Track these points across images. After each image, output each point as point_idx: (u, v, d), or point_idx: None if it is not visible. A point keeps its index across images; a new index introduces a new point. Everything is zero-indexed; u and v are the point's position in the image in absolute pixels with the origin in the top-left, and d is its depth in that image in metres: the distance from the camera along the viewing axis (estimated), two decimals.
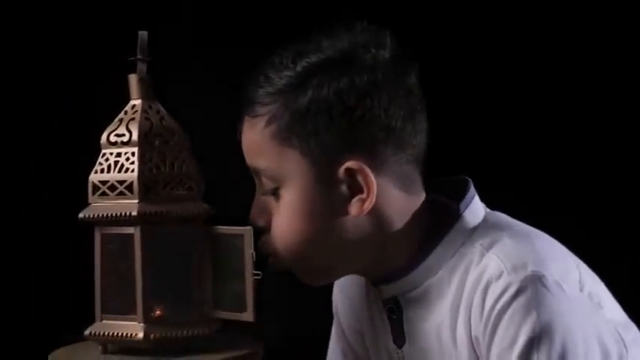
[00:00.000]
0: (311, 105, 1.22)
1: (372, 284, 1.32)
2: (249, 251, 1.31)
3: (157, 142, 1.34)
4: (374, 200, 1.23)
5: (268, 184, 1.25)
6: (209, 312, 1.34)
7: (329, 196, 1.24)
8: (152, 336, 1.30)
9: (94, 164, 1.35)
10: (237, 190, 1.89)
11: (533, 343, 1.16)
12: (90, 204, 1.35)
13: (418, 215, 1.28)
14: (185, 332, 1.32)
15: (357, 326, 1.41)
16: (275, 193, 1.25)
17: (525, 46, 2.18)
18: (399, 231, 1.26)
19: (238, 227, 1.32)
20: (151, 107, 1.35)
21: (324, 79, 1.22)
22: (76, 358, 1.34)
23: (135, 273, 1.31)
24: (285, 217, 1.25)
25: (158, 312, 1.32)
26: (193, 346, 1.32)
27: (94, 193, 1.35)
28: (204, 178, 1.35)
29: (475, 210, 1.29)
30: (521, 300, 1.18)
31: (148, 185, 1.32)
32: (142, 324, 1.31)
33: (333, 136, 1.22)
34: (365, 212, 1.23)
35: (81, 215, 1.34)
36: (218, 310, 1.34)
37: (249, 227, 1.30)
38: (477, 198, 1.30)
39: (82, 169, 1.37)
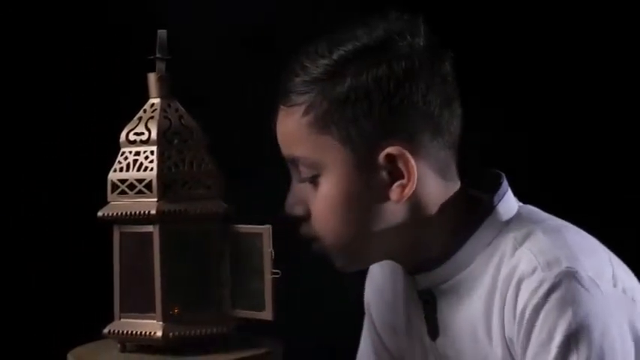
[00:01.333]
0: (350, 93, 1.23)
1: (408, 274, 1.33)
2: (267, 250, 1.30)
3: (175, 141, 1.34)
4: (414, 186, 1.24)
5: (306, 173, 1.27)
6: (228, 311, 1.34)
7: (369, 183, 1.25)
8: (171, 334, 1.30)
9: (113, 163, 1.36)
10: (254, 189, 1.91)
11: (571, 341, 1.16)
12: (109, 202, 1.35)
13: (453, 204, 1.29)
14: (203, 331, 1.32)
15: (391, 320, 1.41)
16: (314, 181, 1.27)
17: (535, 55, 2.17)
18: (435, 218, 1.28)
19: (257, 226, 1.31)
20: (169, 106, 1.35)
21: (362, 66, 1.23)
22: (95, 357, 1.34)
23: (154, 271, 1.31)
24: (325, 204, 1.26)
25: (176, 310, 1.32)
26: (212, 345, 1.32)
27: (113, 192, 1.35)
28: (223, 176, 1.35)
29: (508, 203, 1.29)
30: (555, 297, 1.18)
31: (167, 184, 1.32)
32: (160, 322, 1.31)
33: (372, 123, 1.23)
34: (405, 198, 1.25)
35: (100, 214, 1.34)
36: (237, 309, 1.34)
37: (268, 226, 1.30)
38: (510, 192, 1.31)
39: (101, 168, 1.37)
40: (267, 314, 1.31)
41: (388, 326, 1.43)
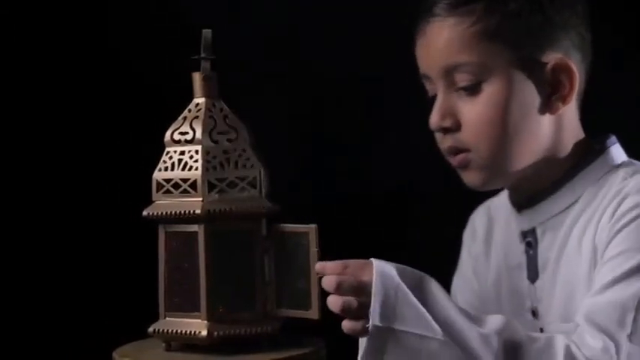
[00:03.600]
0: (524, 6, 1.32)
1: (516, 210, 1.40)
2: (314, 249, 1.30)
3: (220, 140, 1.34)
4: (573, 98, 1.35)
5: (468, 80, 1.33)
6: (273, 310, 1.34)
7: (530, 91, 1.34)
8: (216, 333, 1.30)
9: (157, 162, 1.36)
10: (298, 189, 1.91)
11: None
12: (154, 202, 1.36)
13: (577, 135, 1.38)
14: (248, 330, 1.32)
15: (484, 272, 1.48)
16: (475, 88, 1.33)
17: None
18: (564, 145, 1.37)
19: (303, 225, 1.32)
20: (214, 105, 1.36)
21: None
22: (141, 355, 1.34)
23: (199, 271, 1.31)
24: (485, 109, 1.33)
25: (221, 310, 1.32)
26: (256, 344, 1.32)
27: (158, 191, 1.35)
28: (268, 175, 1.35)
29: (619, 150, 1.39)
30: None
31: (212, 183, 1.32)
32: (205, 321, 1.31)
33: (541, 35, 1.33)
34: (563, 107, 1.34)
35: (145, 213, 1.35)
36: (282, 308, 1.34)
37: (314, 225, 1.31)
38: (619, 145, 1.39)
39: (147, 167, 1.37)
40: (313, 313, 1.31)
41: (480, 264, 1.49)
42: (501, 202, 1.49)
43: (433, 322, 1.21)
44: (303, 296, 1.31)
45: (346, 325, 1.24)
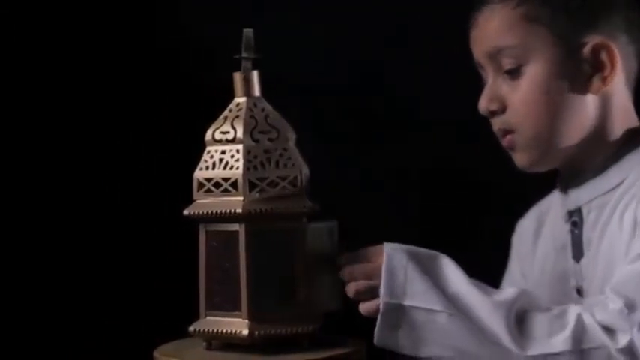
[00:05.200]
0: None
1: (563, 192, 1.44)
2: (335, 244, 1.34)
3: (261, 140, 1.34)
4: (614, 77, 1.37)
5: (510, 63, 1.38)
6: (313, 309, 1.34)
7: (572, 72, 1.37)
8: (256, 332, 1.30)
9: (198, 161, 1.36)
10: (337, 189, 1.91)
11: None
12: (195, 201, 1.36)
13: (627, 118, 1.40)
14: (289, 329, 1.31)
15: (530, 260, 1.51)
16: (516, 72, 1.38)
17: None
18: (612, 125, 1.39)
19: (324, 222, 1.34)
20: (255, 105, 1.35)
21: None
22: (181, 354, 1.35)
23: (239, 270, 1.31)
24: (528, 91, 1.37)
25: (263, 308, 1.32)
26: (297, 344, 1.32)
27: (198, 190, 1.35)
28: (309, 175, 1.35)
29: None
30: None
31: (253, 182, 1.32)
32: (246, 320, 1.31)
33: (582, 16, 1.37)
34: (603, 88, 1.37)
35: (186, 212, 1.35)
36: (323, 307, 1.34)
37: (334, 222, 1.34)
38: None
39: (188, 166, 1.38)
40: (336, 306, 1.34)
41: (529, 272, 1.52)
42: (552, 197, 1.52)
43: (442, 296, 1.26)
44: (329, 292, 1.34)
45: (361, 306, 1.30)
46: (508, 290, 1.29)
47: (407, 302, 1.26)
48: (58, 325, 1.97)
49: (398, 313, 1.27)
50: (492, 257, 1.59)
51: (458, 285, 1.27)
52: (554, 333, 1.23)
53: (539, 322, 1.25)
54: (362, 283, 1.29)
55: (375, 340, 1.29)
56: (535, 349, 1.23)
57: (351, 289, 1.30)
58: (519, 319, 1.25)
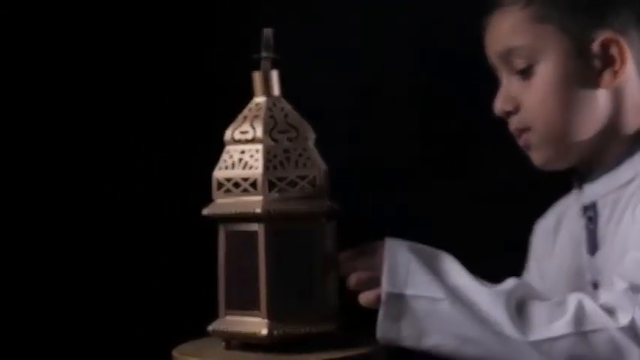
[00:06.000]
0: None
1: (578, 187, 1.45)
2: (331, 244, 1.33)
3: (281, 139, 1.33)
4: (625, 72, 1.37)
5: (521, 64, 1.40)
6: (333, 309, 1.34)
7: (583, 69, 1.39)
8: (276, 332, 1.30)
9: (216, 161, 1.36)
10: (360, 187, 1.91)
11: None
12: (214, 201, 1.35)
13: (639, 113, 1.41)
14: (309, 329, 1.31)
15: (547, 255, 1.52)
16: (528, 71, 1.40)
17: None
18: (627, 120, 1.40)
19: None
20: (275, 104, 1.35)
21: None
22: (200, 354, 1.34)
23: (259, 270, 1.31)
24: (540, 90, 1.39)
25: (282, 308, 1.32)
26: (317, 343, 1.32)
27: (218, 190, 1.35)
28: (329, 175, 1.35)
29: None
30: None
31: (273, 182, 1.31)
32: (265, 320, 1.30)
33: (591, 12, 1.38)
34: (614, 83, 1.38)
35: (205, 212, 1.35)
36: (341, 307, 1.34)
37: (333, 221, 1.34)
38: None
39: (206, 166, 1.38)
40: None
41: (546, 270, 1.53)
42: (570, 196, 1.52)
43: (443, 286, 1.27)
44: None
45: (361, 296, 1.31)
46: (508, 281, 1.30)
47: (409, 292, 1.28)
48: (77, 325, 1.98)
49: (400, 303, 1.28)
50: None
51: (459, 276, 1.29)
52: (555, 318, 1.24)
53: (539, 309, 1.26)
54: (363, 274, 1.31)
55: (378, 334, 1.30)
56: (537, 335, 1.24)
57: (352, 280, 1.32)
58: (520, 307, 1.26)
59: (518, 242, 1.59)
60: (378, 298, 1.29)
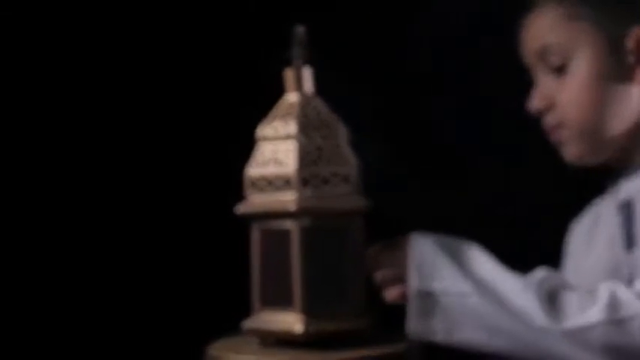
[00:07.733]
0: None
1: (613, 183, 1.45)
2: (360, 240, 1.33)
3: (314, 136, 1.33)
4: None
5: (556, 61, 1.41)
6: (365, 305, 1.33)
7: (617, 65, 1.40)
8: (311, 329, 1.30)
9: (248, 159, 1.35)
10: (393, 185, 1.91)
11: None
12: (247, 198, 1.35)
13: None
14: (344, 326, 1.31)
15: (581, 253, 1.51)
16: (562, 69, 1.41)
17: None
18: None
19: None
20: (307, 101, 1.35)
21: None
22: (234, 351, 1.34)
23: (293, 267, 1.31)
24: (574, 87, 1.41)
25: (316, 305, 1.31)
26: (352, 340, 1.32)
27: (250, 187, 1.35)
28: (362, 172, 1.34)
29: None
30: None
31: (306, 179, 1.31)
32: (300, 317, 1.30)
33: (623, 8, 1.40)
34: None
35: (238, 210, 1.35)
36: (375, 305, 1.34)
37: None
38: None
39: (239, 163, 1.37)
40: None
41: (582, 266, 1.51)
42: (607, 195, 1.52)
43: (471, 280, 1.27)
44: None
45: (386, 293, 1.33)
46: (537, 271, 1.31)
47: (437, 287, 1.28)
48: (112, 322, 1.98)
49: (428, 299, 1.29)
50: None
51: (486, 268, 1.29)
52: (588, 306, 1.24)
53: (571, 298, 1.26)
54: (388, 271, 1.32)
55: (408, 329, 1.30)
56: (569, 323, 1.24)
57: (377, 276, 1.33)
58: (551, 297, 1.26)
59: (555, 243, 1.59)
60: (404, 295, 1.30)
